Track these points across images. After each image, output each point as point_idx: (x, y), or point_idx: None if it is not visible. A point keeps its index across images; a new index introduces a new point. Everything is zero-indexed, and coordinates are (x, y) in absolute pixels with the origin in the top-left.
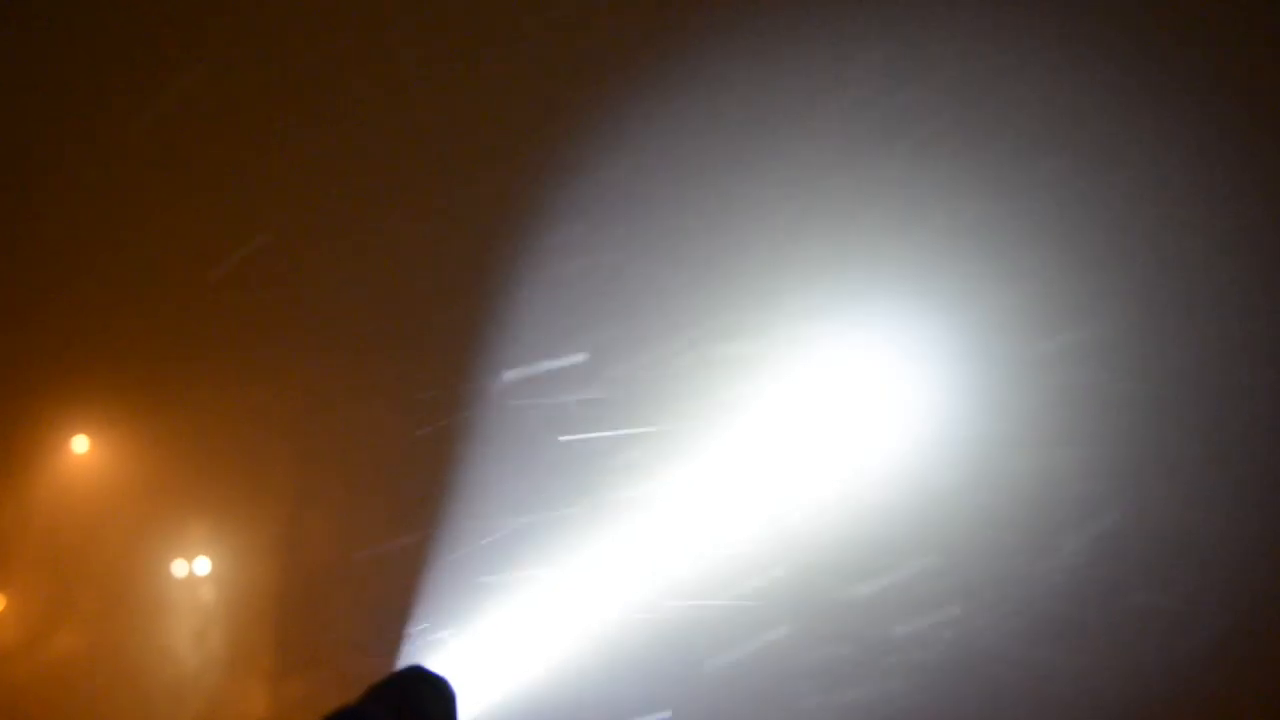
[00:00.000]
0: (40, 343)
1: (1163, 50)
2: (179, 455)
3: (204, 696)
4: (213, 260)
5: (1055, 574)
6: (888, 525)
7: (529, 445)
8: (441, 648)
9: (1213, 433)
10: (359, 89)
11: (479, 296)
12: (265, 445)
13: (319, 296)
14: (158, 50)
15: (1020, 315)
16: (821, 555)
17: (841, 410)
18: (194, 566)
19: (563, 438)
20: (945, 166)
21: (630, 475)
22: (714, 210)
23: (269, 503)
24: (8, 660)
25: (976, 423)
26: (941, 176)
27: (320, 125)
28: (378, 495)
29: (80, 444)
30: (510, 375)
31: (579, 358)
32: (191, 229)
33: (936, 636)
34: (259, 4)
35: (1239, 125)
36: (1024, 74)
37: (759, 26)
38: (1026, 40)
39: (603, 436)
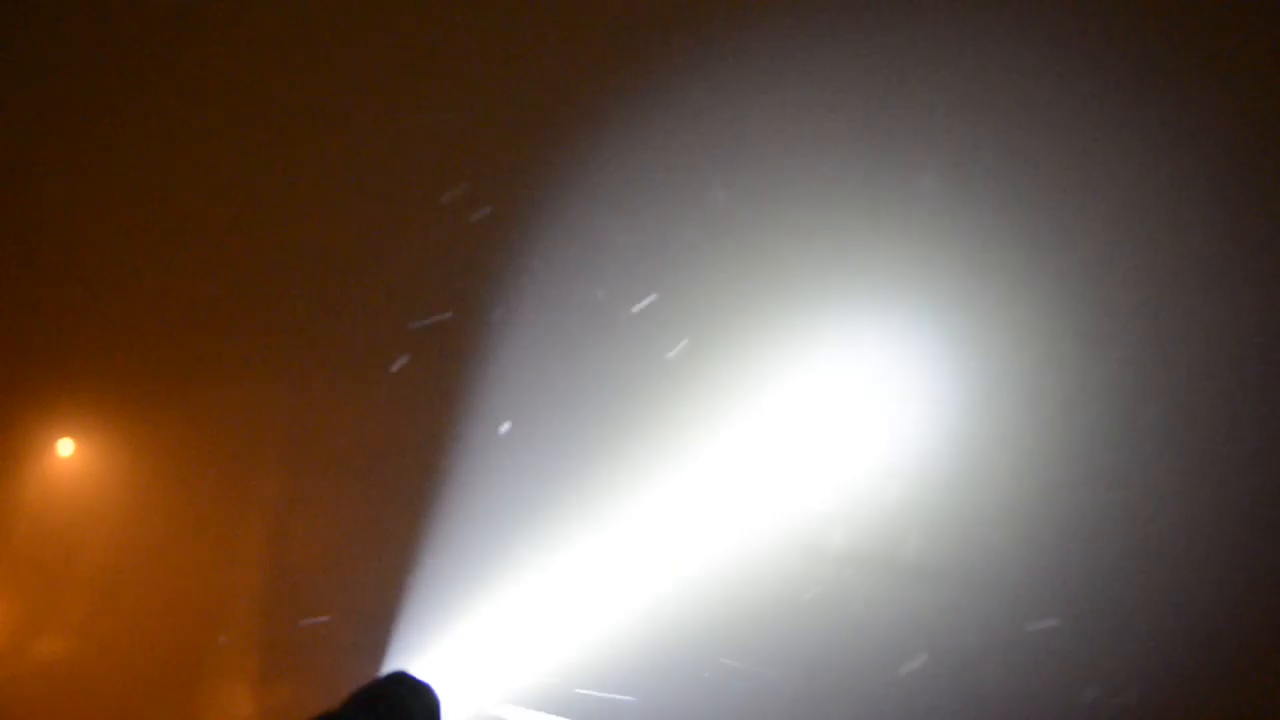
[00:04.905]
0: (26, 345)
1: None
2: (166, 458)
3: (188, 700)
4: (201, 263)
5: (1054, 580)
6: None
7: (525, 443)
8: (428, 653)
9: (1215, 439)
10: (358, 98)
11: (477, 301)
12: (252, 448)
13: (310, 298)
14: (151, 49)
15: (1019, 322)
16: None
17: (840, 416)
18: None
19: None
20: (945, 170)
21: (629, 478)
22: (710, 214)
23: (255, 505)
24: None
25: (974, 429)
26: (941, 183)
27: (312, 129)
28: (367, 497)
29: (65, 447)
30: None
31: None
32: (179, 231)
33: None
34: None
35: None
36: (1026, 78)
37: (744, 33)
38: (1033, 48)
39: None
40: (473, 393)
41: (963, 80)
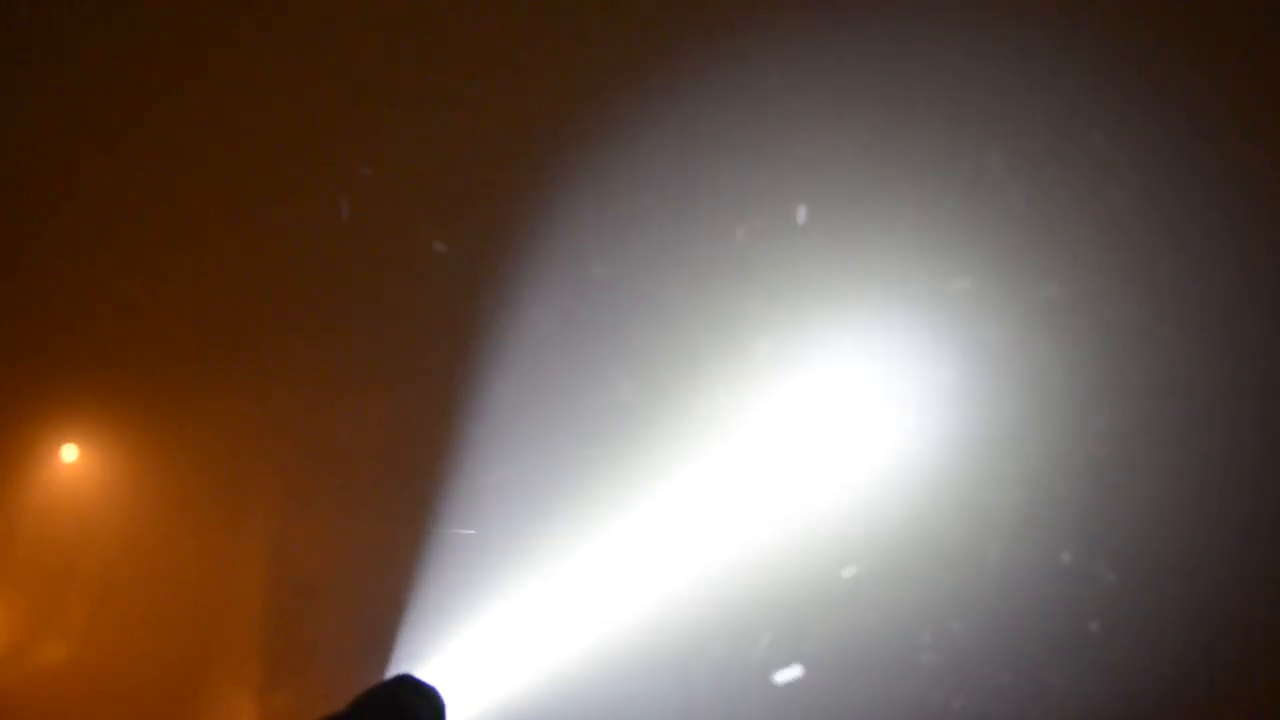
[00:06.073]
0: (30, 350)
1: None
2: (169, 463)
3: (190, 706)
4: (206, 271)
5: (1051, 579)
6: (883, 531)
7: (527, 448)
8: (433, 656)
9: (1211, 438)
10: (366, 109)
11: (481, 300)
12: (255, 453)
13: (312, 303)
14: (160, 54)
15: (1021, 321)
16: (820, 560)
17: (841, 416)
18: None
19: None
20: (946, 172)
21: (633, 480)
22: (714, 215)
23: (258, 510)
24: None
25: (974, 429)
26: (942, 183)
27: (316, 139)
28: (370, 502)
29: (69, 452)
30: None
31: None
32: (185, 239)
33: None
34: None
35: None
36: (1025, 80)
37: (758, 29)
38: (1030, 46)
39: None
40: (475, 398)
41: (974, 78)
